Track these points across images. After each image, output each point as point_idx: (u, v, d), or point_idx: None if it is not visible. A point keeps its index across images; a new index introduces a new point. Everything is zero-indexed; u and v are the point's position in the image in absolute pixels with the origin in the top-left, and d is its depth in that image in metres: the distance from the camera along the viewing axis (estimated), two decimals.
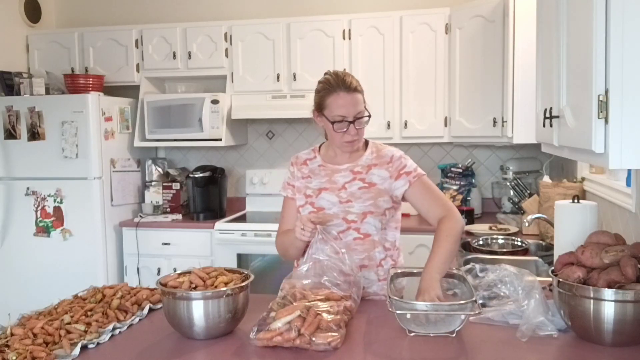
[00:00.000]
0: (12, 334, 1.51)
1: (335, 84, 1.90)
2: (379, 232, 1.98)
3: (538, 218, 2.62)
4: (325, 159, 2.04)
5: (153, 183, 4.18)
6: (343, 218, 1.94)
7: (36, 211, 3.82)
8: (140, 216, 3.98)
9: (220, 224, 3.74)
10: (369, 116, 1.94)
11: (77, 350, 1.46)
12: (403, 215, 3.79)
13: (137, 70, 4.10)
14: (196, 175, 3.94)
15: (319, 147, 2.10)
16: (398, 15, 3.72)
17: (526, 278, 1.69)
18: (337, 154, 2.02)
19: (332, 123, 1.89)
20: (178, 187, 4.15)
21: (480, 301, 1.65)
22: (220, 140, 3.89)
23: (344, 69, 3.72)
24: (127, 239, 3.89)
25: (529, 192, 3.38)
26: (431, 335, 1.54)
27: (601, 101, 1.27)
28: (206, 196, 3.95)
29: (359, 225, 1.94)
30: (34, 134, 3.79)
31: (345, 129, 1.90)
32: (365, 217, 1.94)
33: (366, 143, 2.05)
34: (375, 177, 1.97)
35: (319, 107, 1.94)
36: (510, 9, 3.16)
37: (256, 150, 4.36)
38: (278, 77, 3.86)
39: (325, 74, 1.98)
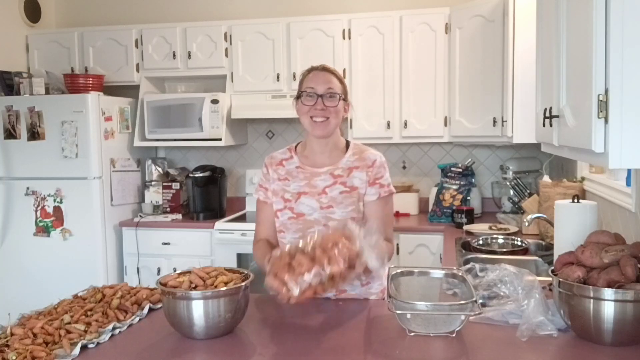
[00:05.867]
0: (12, 334, 1.51)
1: (314, 67, 1.94)
2: None
3: (538, 218, 2.62)
4: (303, 160, 1.97)
5: (153, 183, 4.18)
6: (325, 224, 1.88)
7: (36, 211, 3.82)
8: (140, 216, 3.98)
9: (220, 224, 3.74)
10: (342, 99, 1.91)
11: (77, 350, 1.46)
12: (403, 215, 3.84)
13: (137, 70, 4.10)
14: (196, 175, 3.94)
15: (295, 147, 2.03)
16: (398, 15, 3.72)
17: (526, 278, 1.69)
18: (315, 152, 1.95)
19: (302, 94, 1.89)
20: (178, 187, 4.15)
21: (480, 301, 1.65)
22: (220, 140, 3.89)
23: (344, 69, 3.76)
24: (127, 239, 3.89)
25: (528, 191, 3.38)
26: (431, 335, 1.54)
27: (601, 101, 1.27)
28: (206, 196, 3.95)
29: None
30: (34, 134, 3.79)
31: (313, 103, 1.86)
32: (348, 223, 1.88)
33: (347, 144, 2.00)
34: (357, 180, 1.91)
35: (298, 91, 1.94)
36: (510, 8, 3.16)
37: (256, 150, 4.36)
38: (278, 77, 3.86)
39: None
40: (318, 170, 1.93)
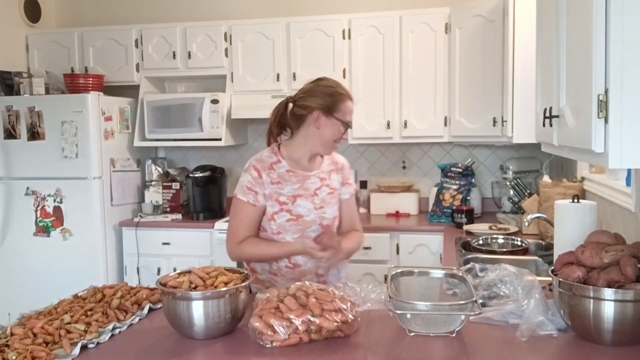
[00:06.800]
0: (12, 334, 1.51)
1: (347, 93, 2.05)
2: None
3: (538, 218, 2.62)
4: (291, 163, 2.05)
5: (153, 183, 4.18)
6: (320, 224, 2.04)
7: (36, 211, 3.82)
8: (140, 216, 3.98)
9: (220, 224, 3.74)
10: None
11: (77, 350, 1.46)
12: (403, 215, 3.84)
13: (137, 70, 4.10)
14: (196, 175, 3.94)
15: (278, 149, 2.08)
16: (398, 14, 3.72)
17: (526, 278, 1.69)
18: (306, 157, 2.06)
19: (344, 125, 2.01)
20: (178, 187, 4.15)
21: (480, 301, 1.65)
22: (220, 140, 3.89)
23: (344, 69, 3.76)
24: (127, 239, 3.89)
25: (528, 191, 3.38)
26: (431, 335, 1.54)
27: (601, 101, 1.27)
28: (206, 196, 3.95)
29: (332, 229, 2.07)
30: (34, 134, 3.79)
31: (344, 133, 2.04)
32: (335, 221, 2.09)
33: None
34: (335, 182, 2.12)
35: (330, 109, 2.00)
36: (510, 8, 3.16)
37: (256, 150, 4.29)
38: (278, 77, 3.86)
39: (325, 79, 2.08)
40: (309, 173, 2.06)
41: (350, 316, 1.52)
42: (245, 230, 2.02)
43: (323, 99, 2.00)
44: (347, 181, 2.16)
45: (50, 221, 3.81)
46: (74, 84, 3.91)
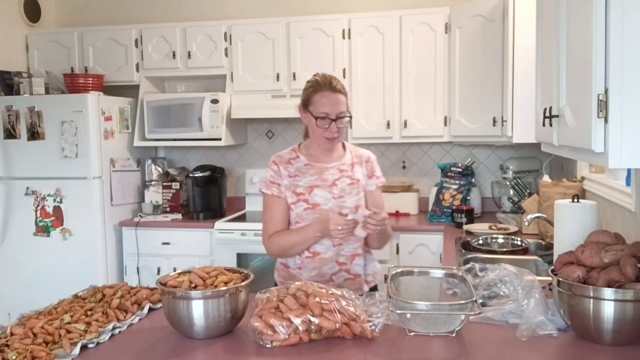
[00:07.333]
0: (12, 334, 1.51)
1: (323, 84, 2.07)
2: None
3: (538, 217, 2.62)
4: (309, 158, 2.14)
5: (153, 183, 4.18)
6: (339, 212, 2.07)
7: (36, 211, 3.82)
8: (140, 216, 3.98)
9: (220, 224, 3.74)
10: (350, 117, 2.11)
11: (77, 350, 1.46)
12: (403, 214, 3.84)
13: (137, 70, 4.10)
14: (196, 175, 3.94)
15: (299, 146, 2.20)
16: (398, 14, 3.72)
17: (526, 277, 1.70)
18: (322, 152, 2.13)
19: (316, 118, 2.05)
20: (178, 187, 4.15)
21: (480, 300, 1.65)
22: (220, 139, 3.89)
23: (344, 69, 3.76)
24: (127, 239, 3.89)
25: (528, 191, 3.38)
26: (431, 335, 1.54)
27: (601, 100, 1.27)
28: (206, 196, 3.95)
29: (352, 217, 2.08)
30: (34, 134, 3.78)
31: (327, 126, 2.05)
32: (357, 210, 2.10)
33: (343, 145, 2.22)
34: (359, 174, 2.16)
35: (305, 104, 2.10)
36: (510, 8, 3.16)
37: (256, 150, 4.36)
38: (278, 77, 3.86)
39: (315, 75, 2.15)
40: (327, 165, 2.13)
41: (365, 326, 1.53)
42: (275, 223, 2.11)
43: (302, 94, 2.13)
44: (374, 174, 2.20)
45: (50, 221, 3.81)
46: (73, 83, 3.91)
